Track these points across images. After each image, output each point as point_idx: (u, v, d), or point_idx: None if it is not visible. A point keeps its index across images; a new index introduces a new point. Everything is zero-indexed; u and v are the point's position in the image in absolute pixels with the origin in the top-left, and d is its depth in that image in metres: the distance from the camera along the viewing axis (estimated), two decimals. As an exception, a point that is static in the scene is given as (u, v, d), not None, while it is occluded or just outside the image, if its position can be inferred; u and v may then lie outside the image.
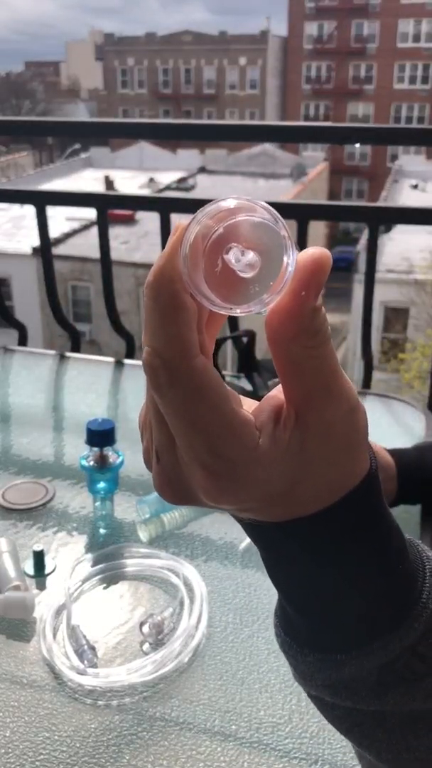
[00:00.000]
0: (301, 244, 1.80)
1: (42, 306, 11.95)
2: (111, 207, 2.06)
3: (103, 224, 1.97)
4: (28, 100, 46.57)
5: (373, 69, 35.41)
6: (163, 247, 0.32)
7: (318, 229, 15.70)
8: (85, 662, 0.86)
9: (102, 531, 1.12)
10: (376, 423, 1.45)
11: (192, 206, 1.92)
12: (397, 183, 20.49)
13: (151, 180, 21.12)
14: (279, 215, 0.30)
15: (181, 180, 21.48)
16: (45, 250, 2.12)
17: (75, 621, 0.91)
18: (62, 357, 1.83)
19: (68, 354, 1.85)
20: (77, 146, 26.39)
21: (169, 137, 2.70)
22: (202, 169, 23.46)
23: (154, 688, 0.84)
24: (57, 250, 13.32)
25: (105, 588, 1.00)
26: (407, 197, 18.78)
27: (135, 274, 12.17)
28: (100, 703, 0.82)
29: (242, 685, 0.85)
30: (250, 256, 0.30)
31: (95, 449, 1.10)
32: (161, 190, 19.46)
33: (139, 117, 40.33)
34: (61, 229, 14.96)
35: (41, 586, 1.00)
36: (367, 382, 1.92)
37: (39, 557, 1.01)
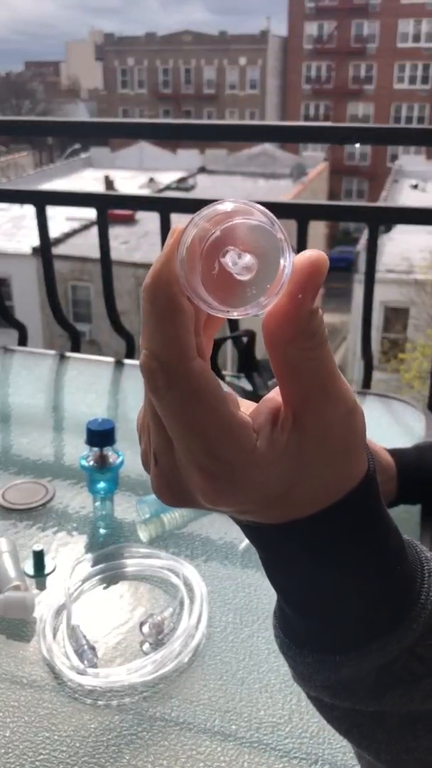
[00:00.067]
0: (301, 244, 1.80)
1: (42, 306, 11.95)
2: (111, 207, 2.06)
3: (103, 224, 1.97)
4: (28, 100, 46.57)
5: (373, 69, 35.41)
6: (163, 247, 0.32)
7: (318, 229, 15.70)
8: (85, 662, 0.86)
9: (102, 531, 1.12)
10: (376, 423, 1.45)
11: (192, 206, 1.92)
12: (397, 183, 20.49)
13: (151, 180, 21.13)
14: (275, 218, 0.31)
15: (181, 180, 21.48)
16: (45, 250, 2.12)
17: (75, 621, 0.91)
18: (62, 357, 1.83)
19: (68, 354, 1.85)
20: (77, 146, 26.41)
21: (169, 137, 2.70)
22: (202, 169, 23.46)
23: (154, 688, 0.84)
24: (57, 250, 13.32)
25: (105, 588, 1.00)
26: (407, 197, 18.78)
27: (135, 274, 12.17)
28: (100, 703, 0.82)
29: (242, 685, 0.85)
30: (247, 259, 0.30)
31: (95, 449, 1.10)
32: (161, 190, 19.46)
33: (139, 117, 40.33)
34: (61, 229, 14.96)
35: (41, 586, 1.00)
36: (367, 382, 1.92)
37: (39, 557, 1.01)
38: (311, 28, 36.61)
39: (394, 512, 1.08)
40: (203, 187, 21.03)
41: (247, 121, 15.70)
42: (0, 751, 0.77)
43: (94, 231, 2.07)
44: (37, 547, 1.02)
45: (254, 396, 1.39)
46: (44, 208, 1.98)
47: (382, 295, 12.75)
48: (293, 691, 0.83)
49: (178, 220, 1.87)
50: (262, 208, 0.31)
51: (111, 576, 1.01)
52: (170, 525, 1.11)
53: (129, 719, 0.81)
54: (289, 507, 0.34)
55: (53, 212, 2.27)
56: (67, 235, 15.51)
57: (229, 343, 1.58)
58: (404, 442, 1.18)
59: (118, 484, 1.15)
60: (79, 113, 43.40)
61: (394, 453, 1.06)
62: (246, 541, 1.03)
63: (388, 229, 13.11)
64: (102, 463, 1.10)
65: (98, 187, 17.88)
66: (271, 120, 35.25)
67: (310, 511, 0.35)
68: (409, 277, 13.51)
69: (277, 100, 39.06)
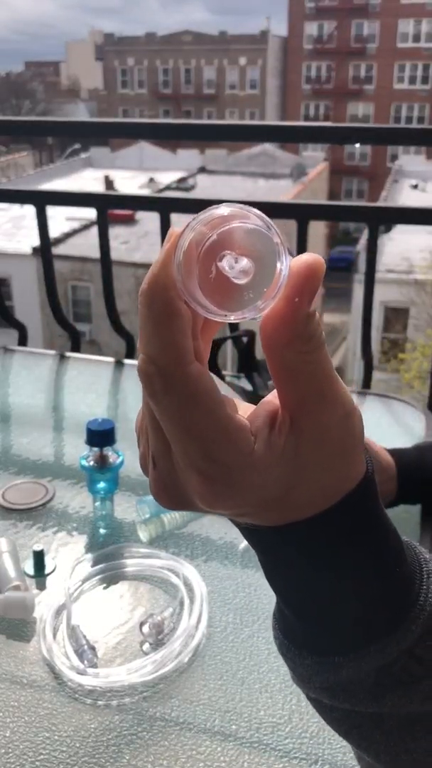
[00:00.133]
0: (301, 244, 1.80)
1: (42, 306, 11.95)
2: (111, 207, 2.06)
3: (103, 224, 1.97)
4: (28, 100, 46.57)
5: (373, 69, 35.42)
6: (160, 250, 0.32)
7: (318, 229, 15.70)
8: (85, 662, 0.86)
9: (102, 531, 1.12)
10: (376, 423, 1.45)
11: (192, 206, 1.92)
12: (397, 183, 20.49)
13: (151, 180, 21.13)
14: (272, 222, 0.31)
15: (181, 180, 21.48)
16: (45, 250, 2.12)
17: (75, 621, 0.91)
18: (62, 357, 1.83)
19: (68, 354, 1.85)
20: (77, 146, 26.41)
21: (169, 137, 2.70)
22: (202, 169, 23.46)
23: (154, 688, 0.84)
24: (57, 250, 13.32)
25: (105, 588, 1.00)
26: (407, 197, 18.78)
27: (135, 274, 12.16)
28: (100, 703, 0.82)
29: (242, 685, 0.85)
30: (244, 262, 0.30)
31: (95, 449, 1.10)
32: (161, 190, 19.46)
33: (139, 117, 40.34)
34: (61, 229, 14.96)
35: (41, 586, 1.00)
36: (367, 382, 1.92)
37: (39, 557, 1.01)
38: (311, 28, 36.61)
39: (394, 512, 1.09)
40: (203, 187, 21.03)
41: (247, 121, 15.71)
42: (0, 751, 0.77)
43: (94, 231, 2.07)
44: (37, 547, 1.02)
45: (254, 396, 1.39)
46: (44, 208, 1.98)
47: (382, 295, 12.75)
48: (293, 691, 0.83)
49: (178, 220, 1.87)
50: (258, 212, 0.31)
51: (111, 576, 1.01)
52: (170, 525, 1.11)
53: (129, 719, 0.81)
54: (287, 510, 0.34)
55: (53, 212, 2.27)
56: (67, 235, 15.52)
57: (229, 344, 1.58)
58: (404, 442, 1.18)
59: (118, 484, 1.15)
60: (79, 113, 43.40)
61: (394, 453, 1.07)
62: (246, 542, 1.02)
63: (388, 229, 13.12)
64: (102, 463, 1.10)
65: (98, 187, 17.87)
66: (271, 120, 35.25)
67: (308, 513, 0.35)
68: (409, 277, 13.51)
69: (277, 100, 39.06)
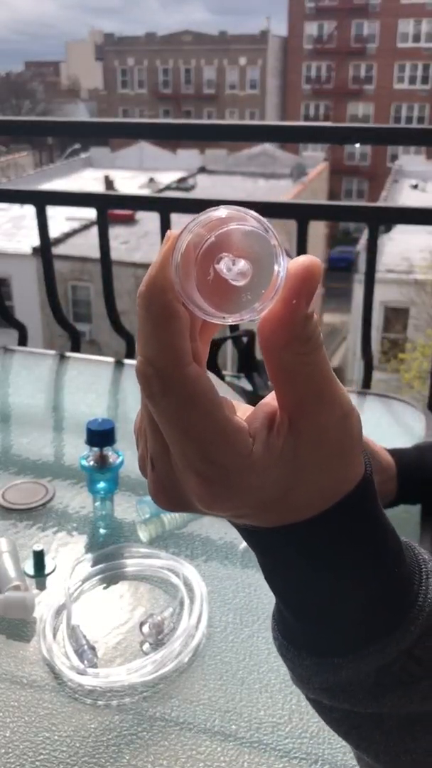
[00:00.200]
0: (301, 244, 1.80)
1: (42, 306, 11.96)
2: (111, 207, 2.06)
3: (103, 224, 1.96)
4: (28, 100, 46.58)
5: (373, 69, 35.42)
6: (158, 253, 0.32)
7: (318, 229, 15.70)
8: (85, 662, 0.86)
9: (102, 531, 1.12)
10: (376, 423, 1.45)
11: (192, 206, 1.92)
12: (397, 183, 20.49)
13: (151, 180, 21.13)
14: (269, 224, 0.31)
15: (181, 180, 21.48)
16: (45, 250, 2.12)
17: (75, 621, 0.91)
18: (62, 357, 1.83)
19: (68, 354, 1.85)
20: (77, 146, 26.41)
21: (169, 137, 2.70)
22: (202, 169, 23.46)
23: (154, 688, 0.84)
24: (57, 250, 13.32)
25: (105, 588, 1.00)
26: (407, 197, 18.78)
27: (135, 274, 12.16)
28: (100, 703, 0.82)
29: (242, 685, 0.85)
30: (242, 264, 0.30)
31: (95, 449, 1.10)
32: (161, 190, 19.46)
33: (139, 117, 40.34)
34: (61, 229, 14.96)
35: (41, 586, 1.00)
36: (367, 382, 1.92)
37: (39, 557, 1.01)
38: (311, 28, 36.61)
39: (394, 512, 1.09)
40: (203, 187, 21.03)
41: (247, 121, 15.71)
42: (0, 751, 0.77)
43: (94, 231, 2.07)
44: (37, 547, 1.02)
45: (254, 396, 1.39)
46: (44, 208, 1.98)
47: (382, 295, 12.75)
48: (293, 691, 0.83)
49: (178, 220, 1.86)
50: (255, 214, 0.31)
51: (111, 576, 1.01)
52: (170, 525, 1.11)
53: (129, 719, 0.81)
54: (286, 511, 0.35)
55: (53, 212, 2.27)
56: (67, 235, 15.52)
57: (229, 343, 1.58)
58: (404, 442, 1.18)
59: (118, 484, 1.15)
60: (79, 113, 43.40)
61: (394, 453, 1.06)
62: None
63: (388, 229, 13.11)
64: (102, 463, 1.10)
65: (98, 187, 17.87)
66: (271, 120, 35.25)
67: (306, 515, 0.35)
68: (409, 277, 13.51)
69: (277, 100, 39.06)
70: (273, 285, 0.31)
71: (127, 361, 1.80)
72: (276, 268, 0.30)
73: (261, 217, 0.31)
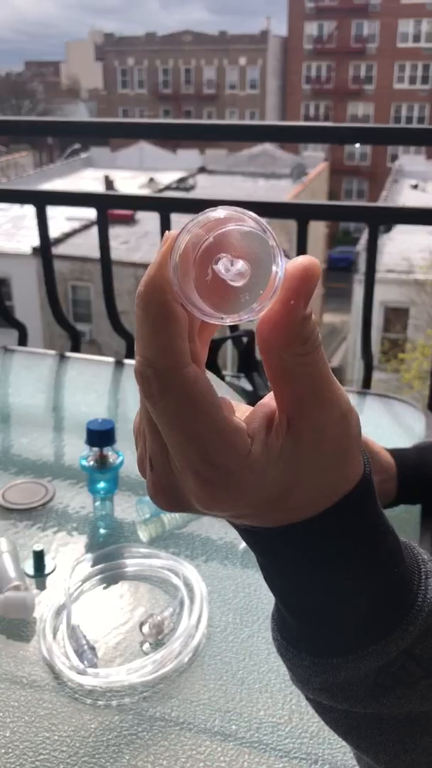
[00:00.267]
0: (301, 244, 1.80)
1: (42, 306, 11.95)
2: (111, 207, 2.06)
3: (103, 224, 1.96)
4: (28, 100, 46.58)
5: (373, 69, 35.43)
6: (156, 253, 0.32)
7: (318, 229, 15.70)
8: (85, 662, 0.86)
9: (102, 531, 1.12)
10: (376, 423, 1.45)
11: (192, 206, 1.92)
12: (397, 183, 20.49)
13: (151, 180, 21.12)
14: (267, 225, 0.31)
15: (181, 180, 21.48)
16: (45, 250, 2.12)
17: (75, 621, 0.91)
18: (62, 357, 1.82)
19: (68, 354, 1.85)
20: (77, 146, 26.39)
21: (169, 137, 2.70)
22: (202, 169, 23.46)
23: (154, 688, 0.84)
24: (57, 250, 13.32)
25: (105, 588, 1.00)
26: (407, 197, 18.78)
27: (135, 274, 12.16)
28: (100, 703, 0.82)
29: (242, 685, 0.85)
30: (240, 265, 0.30)
31: (95, 449, 1.10)
32: (161, 190, 19.46)
33: (139, 117, 40.37)
34: (61, 229, 14.96)
35: (41, 586, 1.00)
36: (367, 382, 1.92)
37: (39, 557, 1.01)
38: (311, 28, 36.62)
39: (394, 512, 1.09)
40: (203, 187, 21.03)
41: (247, 121, 15.71)
42: (0, 751, 0.77)
43: (94, 231, 2.07)
44: (37, 547, 1.02)
45: (254, 396, 1.39)
46: (44, 208, 1.98)
47: (382, 295, 12.75)
48: (293, 691, 0.83)
49: (178, 220, 1.86)
50: (254, 215, 0.31)
51: (111, 576, 1.01)
52: (170, 525, 1.11)
53: (129, 719, 0.81)
54: (285, 511, 0.35)
55: (53, 212, 2.27)
56: (67, 235, 15.51)
57: (229, 343, 1.58)
58: (404, 442, 1.18)
59: (118, 484, 1.15)
60: (79, 113, 43.41)
61: (394, 453, 1.06)
62: (246, 541, 1.02)
63: (388, 229, 13.12)
64: (102, 463, 1.10)
65: (98, 187, 17.88)
66: (271, 120, 35.25)
67: (306, 514, 0.35)
68: (409, 277, 13.51)
69: (277, 100, 39.07)
70: (271, 285, 0.31)
71: (127, 361, 1.80)
72: (274, 268, 0.30)
73: (259, 218, 0.31)
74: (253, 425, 0.34)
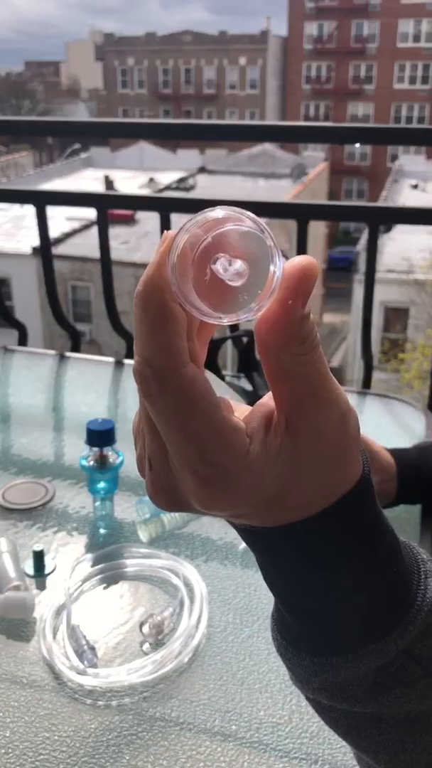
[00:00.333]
0: (301, 244, 1.80)
1: (42, 306, 11.95)
2: (111, 207, 2.06)
3: (103, 224, 1.97)
4: (28, 100, 46.58)
5: (373, 69, 35.43)
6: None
7: (318, 229, 15.70)
8: (85, 662, 0.86)
9: (102, 531, 1.12)
10: (376, 423, 1.45)
11: (192, 206, 1.92)
12: (397, 183, 20.50)
13: (151, 180, 21.13)
14: (265, 225, 0.31)
15: (181, 180, 21.48)
16: (45, 250, 2.12)
17: (75, 621, 0.91)
18: (62, 357, 1.82)
19: (68, 354, 1.85)
20: (77, 146, 26.39)
21: (169, 137, 2.71)
22: (202, 169, 23.47)
23: (154, 688, 0.84)
24: (57, 250, 13.32)
25: (105, 588, 1.00)
26: (407, 197, 18.78)
27: (135, 274, 12.15)
28: (100, 703, 0.82)
29: (242, 685, 0.85)
30: (238, 264, 0.30)
31: (95, 449, 1.10)
32: (161, 190, 19.46)
33: (139, 117, 40.37)
34: (61, 229, 14.96)
35: (41, 586, 1.00)
36: (367, 382, 1.92)
37: (39, 557, 1.01)
38: (311, 28, 36.62)
39: (394, 512, 1.09)
40: (203, 187, 21.04)
41: (247, 121, 15.71)
42: (0, 751, 0.77)
43: (94, 231, 2.07)
44: (37, 547, 1.02)
45: (254, 396, 1.39)
46: (44, 208, 1.98)
47: (382, 295, 12.75)
48: (293, 691, 0.83)
49: (178, 220, 1.86)
50: (252, 215, 0.31)
51: (111, 576, 1.01)
52: (170, 525, 1.11)
53: (129, 719, 0.81)
54: (284, 510, 0.35)
55: (53, 212, 2.27)
56: (67, 235, 15.52)
57: (229, 343, 1.58)
58: (404, 442, 1.18)
59: (118, 484, 1.15)
60: (79, 113, 43.41)
61: (395, 453, 1.06)
62: (246, 541, 1.02)
63: (388, 229, 13.12)
64: (102, 463, 1.10)
65: (98, 187, 17.88)
66: (271, 120, 35.25)
67: (304, 514, 0.35)
68: (409, 277, 13.51)
69: (277, 100, 39.07)
70: (269, 285, 0.31)
71: (127, 361, 1.80)
72: (272, 268, 0.31)
73: (257, 218, 0.31)
74: (252, 425, 0.34)
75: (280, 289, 0.31)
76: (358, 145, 23.36)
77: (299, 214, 1.83)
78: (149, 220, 14.30)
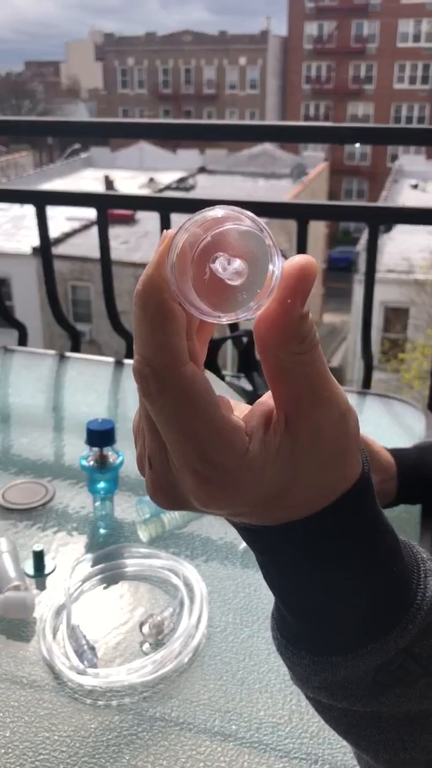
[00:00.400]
0: (301, 244, 1.80)
1: (42, 306, 11.95)
2: (111, 207, 2.06)
3: (103, 224, 1.97)
4: (28, 100, 46.58)
5: (373, 69, 35.43)
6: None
7: (318, 229, 15.70)
8: (85, 662, 0.86)
9: (102, 531, 1.12)
10: (376, 423, 1.45)
11: (192, 206, 1.92)
12: (397, 183, 20.50)
13: (151, 180, 21.13)
14: (264, 224, 0.31)
15: (181, 180, 21.48)
16: (45, 250, 2.12)
17: (75, 621, 0.91)
18: (62, 357, 1.82)
19: (68, 354, 1.85)
20: (77, 146, 26.39)
21: (169, 137, 2.71)
22: (202, 169, 23.46)
23: (154, 688, 0.84)
24: (57, 250, 13.32)
25: (105, 588, 1.00)
26: (407, 197, 18.78)
27: (135, 274, 12.15)
28: (100, 703, 0.82)
29: (242, 685, 0.85)
30: (237, 263, 0.31)
31: (95, 449, 1.10)
32: (161, 190, 19.46)
33: (139, 117, 40.37)
34: (61, 229, 14.96)
35: (41, 586, 1.00)
36: (367, 382, 1.92)
37: (39, 557, 1.01)
38: (311, 28, 36.61)
39: (394, 512, 1.09)
40: (203, 187, 21.04)
41: (247, 121, 15.71)
42: (0, 751, 0.77)
43: (94, 231, 2.07)
44: (37, 547, 1.02)
45: (254, 396, 1.39)
46: (44, 208, 1.98)
47: (382, 295, 12.75)
48: (293, 691, 0.83)
49: (178, 220, 1.86)
50: (251, 214, 0.31)
51: (111, 576, 1.01)
52: (170, 525, 1.11)
53: (129, 719, 0.81)
54: (283, 509, 0.35)
55: (53, 212, 2.27)
56: (67, 235, 15.51)
57: (229, 343, 1.58)
58: (404, 442, 1.18)
59: (118, 484, 1.15)
60: (79, 113, 43.41)
61: (395, 453, 1.06)
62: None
63: (388, 229, 13.12)
64: (102, 463, 1.10)
65: (98, 187, 17.88)
66: (271, 120, 35.25)
67: (304, 513, 0.35)
68: (409, 277, 13.51)
69: (277, 100, 39.07)
70: (268, 284, 0.31)
71: (127, 361, 1.80)
72: (271, 267, 0.31)
73: (256, 217, 0.31)
74: (251, 424, 0.34)
75: (279, 288, 0.31)
76: (358, 145, 23.37)
77: (299, 214, 1.83)
78: (149, 220, 14.31)
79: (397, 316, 14.36)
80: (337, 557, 0.36)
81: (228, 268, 0.30)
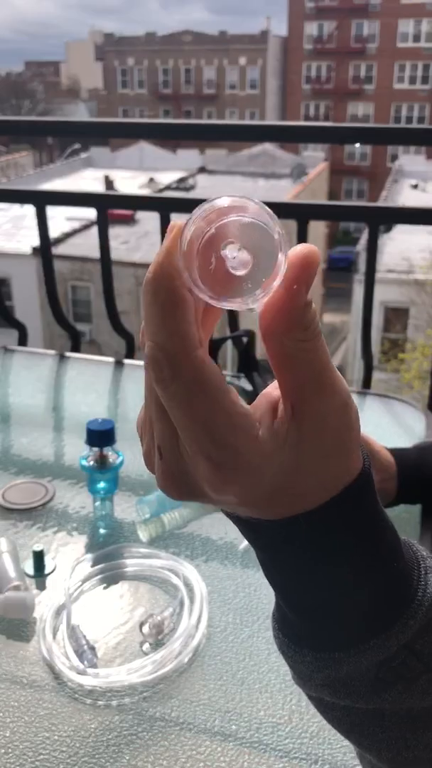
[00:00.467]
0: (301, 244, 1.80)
1: (42, 306, 11.95)
2: (111, 207, 2.06)
3: (103, 224, 1.96)
4: (28, 100, 46.58)
5: (373, 69, 35.43)
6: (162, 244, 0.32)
7: (318, 229, 15.70)
8: (85, 662, 0.86)
9: (102, 531, 1.12)
10: (376, 423, 1.45)
11: (192, 206, 1.91)
12: (397, 183, 20.49)
13: (151, 180, 21.12)
14: (272, 212, 0.32)
15: (181, 180, 21.47)
16: (45, 250, 2.12)
17: (75, 621, 0.91)
18: (62, 357, 1.83)
19: (68, 354, 1.85)
20: (77, 146, 26.39)
21: (169, 137, 2.71)
22: (202, 169, 23.46)
23: (154, 688, 0.84)
24: (57, 250, 13.32)
25: (105, 588, 1.00)
26: (407, 197, 18.78)
27: (135, 274, 12.17)
28: (100, 703, 0.82)
29: (242, 685, 0.85)
30: (243, 254, 0.31)
31: (95, 449, 1.10)
32: (161, 190, 19.46)
33: (139, 117, 40.37)
34: (61, 229, 14.95)
35: (41, 586, 1.00)
36: (367, 382, 1.92)
37: (39, 557, 1.01)
38: (311, 28, 36.61)
39: (394, 512, 1.09)
40: (203, 187, 21.03)
41: (247, 121, 15.70)
42: (0, 751, 0.77)
43: (94, 231, 2.07)
44: (37, 547, 1.02)
45: (254, 396, 1.39)
46: (44, 208, 1.98)
47: (382, 295, 12.75)
48: (293, 691, 0.83)
49: (178, 220, 1.86)
50: (258, 202, 0.32)
51: (111, 576, 1.01)
52: (170, 525, 1.11)
53: (129, 719, 0.81)
54: (288, 498, 0.35)
55: (53, 212, 2.27)
56: (67, 235, 15.51)
57: (229, 343, 1.58)
58: (404, 442, 1.18)
59: (118, 484, 1.15)
60: (79, 113, 43.42)
61: (395, 453, 1.07)
62: (246, 542, 1.02)
63: (388, 229, 13.12)
64: (102, 463, 1.10)
65: (98, 187, 17.88)
66: (271, 120, 35.25)
67: (310, 504, 0.35)
68: (409, 277, 13.51)
69: (277, 100, 39.07)
70: (274, 273, 0.31)
71: (127, 361, 1.80)
72: (279, 256, 0.31)
73: (264, 206, 0.32)
74: (259, 413, 0.34)
75: (284, 276, 0.32)
76: (358, 145, 23.38)
77: (299, 214, 1.83)
78: (149, 220, 14.30)
79: (397, 316, 14.36)
80: (338, 552, 0.36)
81: (234, 258, 0.31)
